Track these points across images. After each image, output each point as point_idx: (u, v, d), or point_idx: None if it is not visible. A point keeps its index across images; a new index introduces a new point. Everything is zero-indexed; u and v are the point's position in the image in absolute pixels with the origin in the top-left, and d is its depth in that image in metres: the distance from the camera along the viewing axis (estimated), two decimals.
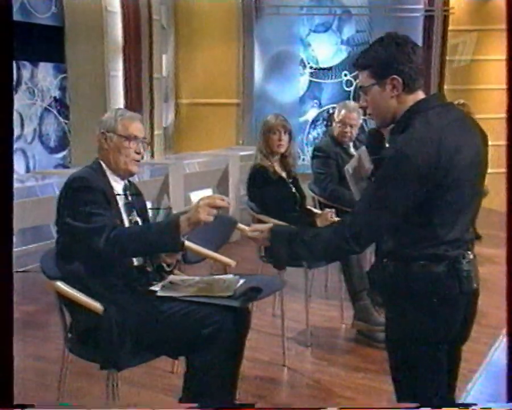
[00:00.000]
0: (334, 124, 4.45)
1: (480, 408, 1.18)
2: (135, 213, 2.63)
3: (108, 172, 2.61)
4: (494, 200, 7.71)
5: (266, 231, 1.92)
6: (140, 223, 2.62)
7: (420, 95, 1.91)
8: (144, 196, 2.79)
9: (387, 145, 2.03)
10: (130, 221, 2.59)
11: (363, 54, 1.95)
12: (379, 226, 1.77)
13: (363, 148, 2.19)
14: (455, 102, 6.55)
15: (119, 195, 2.58)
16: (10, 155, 1.21)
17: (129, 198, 2.63)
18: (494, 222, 7.80)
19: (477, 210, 1.92)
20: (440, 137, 1.79)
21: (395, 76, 1.87)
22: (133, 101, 7.20)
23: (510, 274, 1.66)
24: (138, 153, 2.60)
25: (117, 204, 2.57)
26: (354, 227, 1.76)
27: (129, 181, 2.72)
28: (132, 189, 2.70)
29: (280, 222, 3.31)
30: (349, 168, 2.06)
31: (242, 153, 7.03)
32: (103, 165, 2.61)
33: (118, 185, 2.64)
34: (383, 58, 1.87)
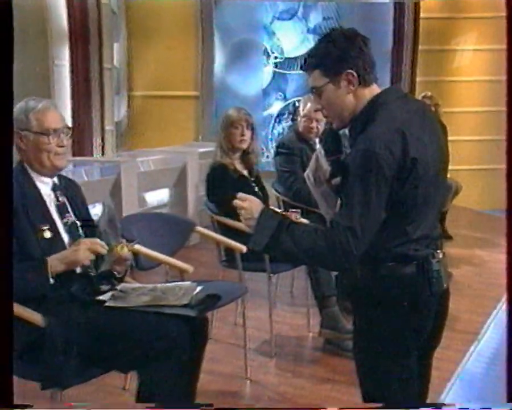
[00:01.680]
0: (299, 118, 4.43)
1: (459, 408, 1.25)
2: (70, 213, 2.57)
3: (33, 174, 2.54)
4: (469, 197, 7.86)
5: (256, 205, 1.89)
6: (78, 224, 2.56)
7: (376, 88, 1.93)
8: (82, 192, 2.73)
9: (345, 144, 2.03)
10: (65, 223, 2.53)
11: (311, 53, 1.95)
12: (374, 222, 1.77)
13: (319, 148, 2.20)
14: (423, 94, 6.66)
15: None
16: (10, 153, 1.29)
17: (60, 198, 2.57)
18: (468, 221, 7.94)
19: (442, 206, 1.93)
20: (404, 131, 1.81)
21: (349, 70, 1.88)
22: (81, 93, 7.02)
23: (509, 273, 1.68)
24: (61, 146, 2.52)
25: (45, 207, 2.51)
26: (350, 222, 1.75)
27: (60, 178, 2.66)
28: (63, 188, 2.63)
29: (240, 224, 3.28)
30: (309, 173, 2.05)
31: (201, 150, 6.97)
32: (26, 166, 2.54)
33: (44, 186, 2.58)
34: (334, 53, 1.88)
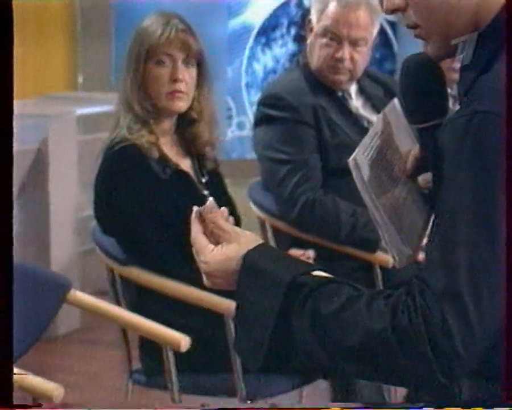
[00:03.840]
0: (311, 39, 3.07)
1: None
2: None
3: None
4: None
5: (235, 244, 1.39)
6: None
7: None
8: None
9: (453, 95, 1.62)
10: None
11: None
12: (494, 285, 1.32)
13: (393, 104, 1.64)
14: None
15: None
16: (10, 151, 1.44)
17: None
18: None
19: None
20: None
21: None
22: None
23: (509, 277, 1.35)
24: None
25: None
26: (454, 286, 1.29)
27: None
28: None
29: (170, 283, 2.66)
30: (358, 157, 1.42)
31: (82, 110, 5.11)
32: None
33: None
34: None
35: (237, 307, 1.39)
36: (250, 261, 1.36)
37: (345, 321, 1.32)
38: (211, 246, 1.37)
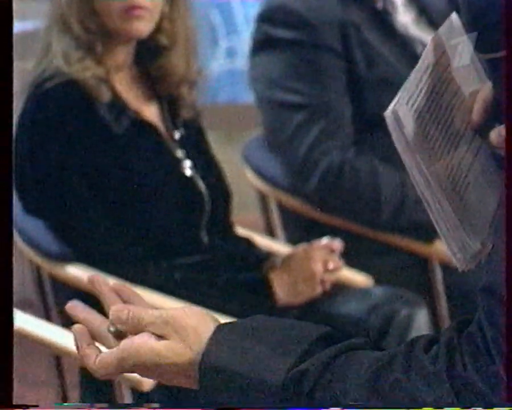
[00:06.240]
0: None
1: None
2: None
3: None
4: None
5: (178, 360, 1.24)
6: None
7: None
8: None
9: None
10: None
11: None
12: None
13: (451, 21, 1.33)
14: None
15: None
16: (10, 152, 1.36)
17: None
18: None
19: None
20: None
21: None
22: None
23: (509, 277, 1.28)
24: None
25: None
26: None
27: None
28: None
29: (158, 302, 2.45)
30: (399, 108, 1.23)
31: None
32: None
33: None
34: None
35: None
36: (210, 369, 1.21)
37: (378, 406, 1.23)
38: (96, 352, 1.20)
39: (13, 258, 1.40)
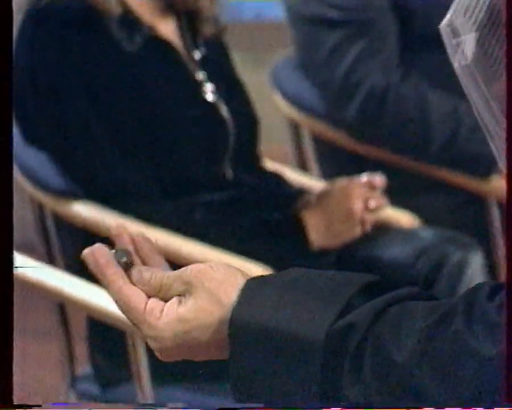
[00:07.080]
0: None
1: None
2: None
3: None
4: None
5: (206, 320, 1.15)
6: None
7: None
8: None
9: None
10: None
11: None
12: None
13: None
14: None
15: None
16: (10, 152, 1.28)
17: None
18: None
19: None
20: None
21: None
22: None
23: (509, 276, 1.14)
24: None
25: None
26: None
27: None
28: None
29: (190, 246, 2.48)
30: (456, 20, 1.05)
31: None
32: None
33: None
34: None
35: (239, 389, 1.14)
36: (242, 326, 1.13)
37: (437, 360, 1.11)
38: (157, 304, 1.10)
39: (13, 195, 1.27)
